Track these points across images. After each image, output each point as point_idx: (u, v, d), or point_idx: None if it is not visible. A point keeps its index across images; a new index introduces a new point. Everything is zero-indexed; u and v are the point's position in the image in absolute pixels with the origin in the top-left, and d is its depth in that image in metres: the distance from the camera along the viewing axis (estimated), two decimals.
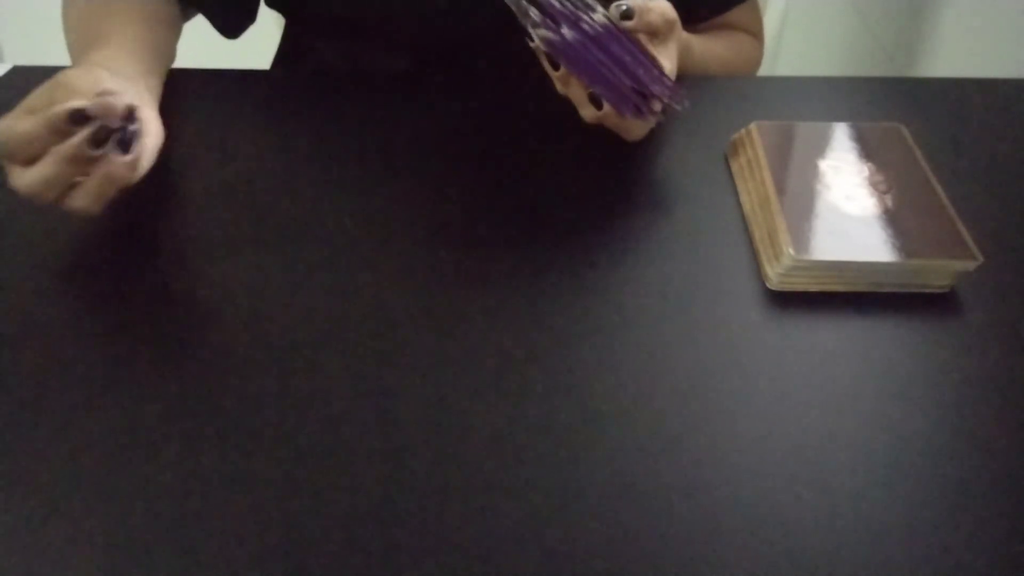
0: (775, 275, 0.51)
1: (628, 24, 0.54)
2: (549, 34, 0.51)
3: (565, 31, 0.51)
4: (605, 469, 0.42)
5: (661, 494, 0.41)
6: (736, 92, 0.69)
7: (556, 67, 0.56)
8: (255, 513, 0.40)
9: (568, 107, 0.59)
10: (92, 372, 0.46)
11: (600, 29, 0.52)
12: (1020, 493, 0.41)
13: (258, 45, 0.91)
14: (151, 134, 0.51)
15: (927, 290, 0.51)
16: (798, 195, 0.54)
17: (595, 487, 0.41)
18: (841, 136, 0.59)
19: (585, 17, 0.52)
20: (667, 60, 0.57)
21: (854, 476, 0.42)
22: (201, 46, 0.78)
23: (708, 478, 0.42)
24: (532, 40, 0.54)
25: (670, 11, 0.57)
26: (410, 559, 0.38)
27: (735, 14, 0.80)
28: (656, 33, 0.57)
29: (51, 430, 0.43)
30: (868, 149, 0.58)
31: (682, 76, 0.63)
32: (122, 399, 0.45)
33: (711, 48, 0.75)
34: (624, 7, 0.54)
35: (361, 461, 0.42)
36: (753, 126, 0.59)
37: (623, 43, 0.53)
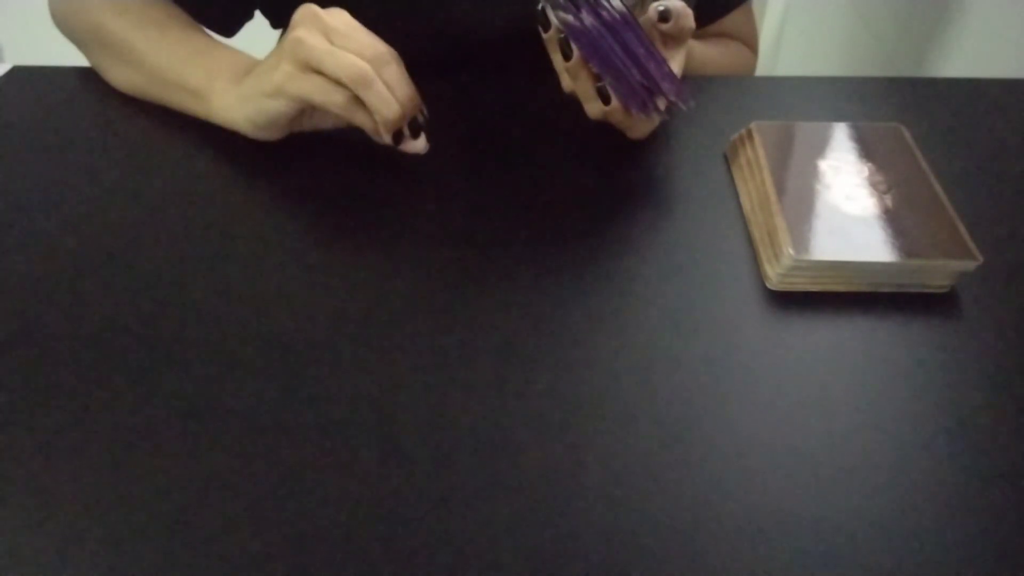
0: (775, 275, 0.51)
1: (664, 27, 0.55)
2: (569, 17, 0.52)
3: (584, 15, 0.52)
4: (605, 468, 0.42)
5: (661, 493, 0.41)
6: (736, 92, 0.69)
7: (567, 57, 0.56)
8: (255, 513, 0.40)
9: (569, 106, 0.59)
10: (92, 372, 0.46)
11: (618, 17, 0.53)
12: (1020, 493, 0.41)
13: (265, 44, 0.91)
14: None
15: (927, 290, 0.51)
16: (798, 195, 0.54)
17: (595, 486, 0.41)
18: (841, 136, 0.59)
19: (604, 3, 0.52)
20: (676, 65, 0.57)
21: (853, 476, 0.42)
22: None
23: (707, 477, 0.42)
24: (545, 30, 0.54)
25: (692, 21, 0.57)
26: (410, 559, 0.38)
27: (731, 23, 0.81)
28: (675, 38, 0.57)
29: (51, 430, 0.43)
30: (868, 149, 0.58)
31: (683, 77, 0.63)
32: (122, 399, 0.45)
33: (707, 54, 0.76)
34: (663, 7, 0.55)
35: (361, 460, 0.42)
36: (753, 126, 0.59)
37: (638, 35, 0.53)
